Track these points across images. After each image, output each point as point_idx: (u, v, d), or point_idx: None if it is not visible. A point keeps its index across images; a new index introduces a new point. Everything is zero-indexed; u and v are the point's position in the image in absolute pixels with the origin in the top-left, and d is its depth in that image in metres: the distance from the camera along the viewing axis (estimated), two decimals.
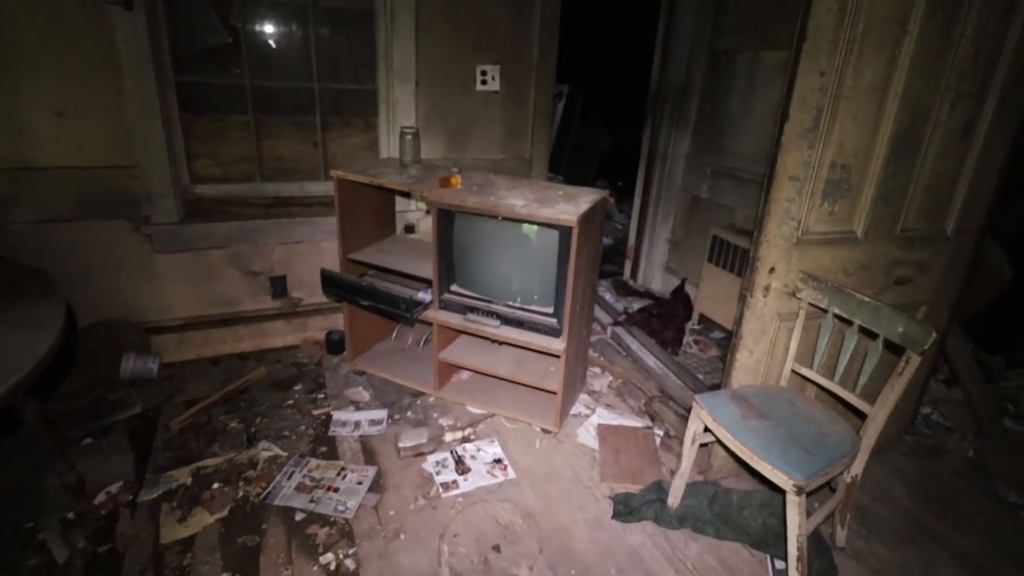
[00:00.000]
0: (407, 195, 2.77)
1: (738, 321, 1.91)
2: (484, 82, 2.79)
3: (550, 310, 2.14)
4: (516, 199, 2.08)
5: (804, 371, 1.89)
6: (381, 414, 2.44)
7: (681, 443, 2.35)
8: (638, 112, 6.20)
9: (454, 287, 2.30)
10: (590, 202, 2.08)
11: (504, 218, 2.03)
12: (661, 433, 2.42)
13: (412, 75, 2.66)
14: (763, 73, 2.87)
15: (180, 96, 2.42)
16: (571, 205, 2.04)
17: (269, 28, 2.53)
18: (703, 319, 3.31)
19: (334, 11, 2.59)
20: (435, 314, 2.34)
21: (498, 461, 2.18)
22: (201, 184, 2.59)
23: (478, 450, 2.24)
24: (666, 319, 3.28)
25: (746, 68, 2.96)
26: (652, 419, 2.52)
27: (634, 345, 2.99)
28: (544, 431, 2.37)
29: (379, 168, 2.41)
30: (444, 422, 2.43)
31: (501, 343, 2.42)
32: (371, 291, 2.28)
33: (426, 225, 2.97)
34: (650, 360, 2.85)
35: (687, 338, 3.19)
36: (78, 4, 2.09)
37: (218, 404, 2.45)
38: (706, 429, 1.80)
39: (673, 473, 2.01)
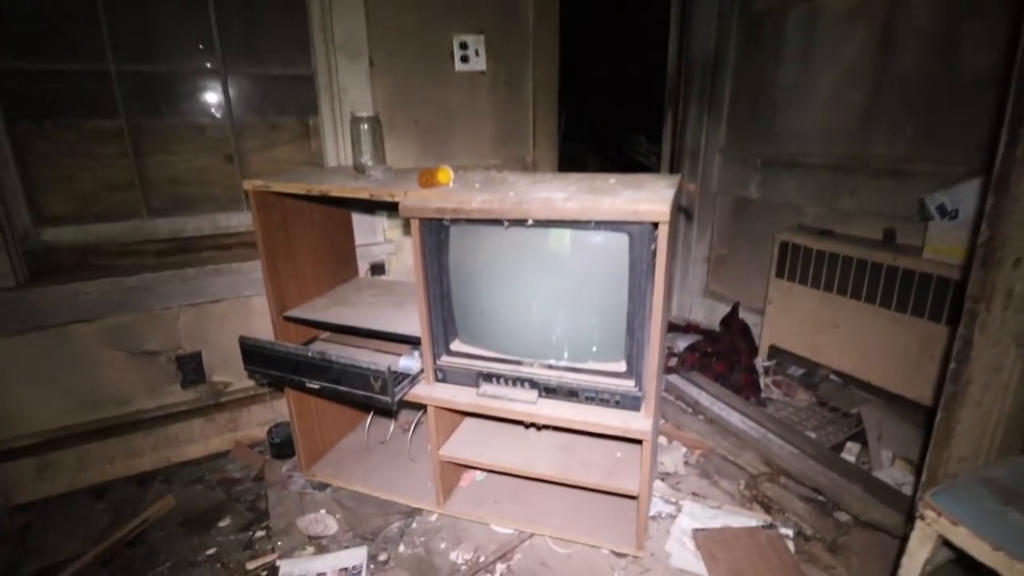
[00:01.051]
0: (370, 213, 1.95)
1: (959, 356, 1.12)
2: (465, 59, 2.04)
3: (621, 366, 1.31)
4: (550, 191, 1.28)
5: None
6: (357, 556, 1.54)
7: (829, 548, 1.52)
8: (625, 127, 5.64)
9: (457, 344, 1.46)
10: (671, 187, 1.30)
11: (536, 222, 1.23)
12: (790, 533, 1.57)
13: (364, 50, 1.89)
14: (827, 28, 2.21)
15: (4, 95, 1.58)
16: (646, 192, 1.25)
17: None
18: (775, 352, 2.53)
19: None
20: (429, 390, 1.48)
21: None
22: (52, 226, 1.71)
23: None
24: (727, 358, 2.48)
25: (800, 27, 2.31)
26: (766, 509, 1.68)
27: (704, 398, 2.16)
28: (617, 555, 1.50)
29: (323, 175, 1.59)
30: (458, 557, 1.54)
31: (540, 427, 1.56)
32: (323, 366, 1.41)
33: (401, 261, 2.14)
34: (735, 418, 2.02)
35: (763, 379, 2.38)
36: None
37: (95, 568, 1.51)
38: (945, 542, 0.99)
39: None
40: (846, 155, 2.21)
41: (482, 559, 1.53)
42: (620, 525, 1.53)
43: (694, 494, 1.76)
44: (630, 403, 1.32)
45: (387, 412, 1.90)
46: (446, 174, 1.38)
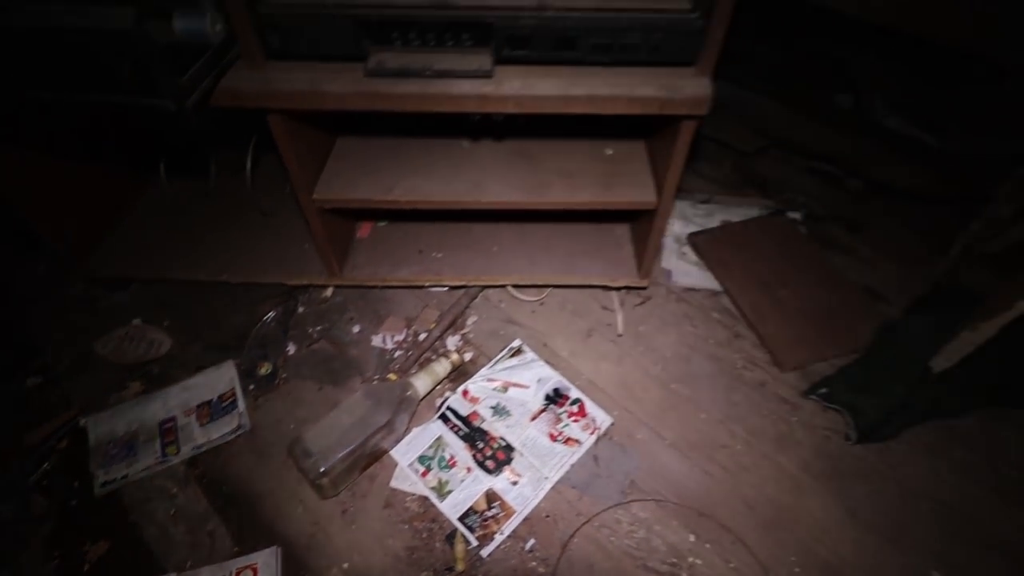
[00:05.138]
0: None
1: None
2: None
3: None
4: None
5: None
6: (221, 379, 0.97)
7: (847, 227, 1.23)
8: None
9: None
10: None
11: None
12: (799, 216, 1.25)
13: None
14: None
15: None
16: None
17: None
18: None
19: None
20: (258, 78, 0.69)
21: (573, 403, 0.90)
22: None
23: (504, 390, 0.92)
24: None
25: None
26: (762, 191, 1.32)
27: None
28: (606, 289, 1.10)
29: None
30: (384, 340, 1.05)
31: (500, 132, 0.88)
32: None
33: None
34: None
35: None
36: None
37: None
38: None
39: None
40: None
41: (421, 335, 1.03)
42: (603, 255, 1.07)
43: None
44: (679, 47, 0.68)
45: (186, 148, 1.07)
46: None
